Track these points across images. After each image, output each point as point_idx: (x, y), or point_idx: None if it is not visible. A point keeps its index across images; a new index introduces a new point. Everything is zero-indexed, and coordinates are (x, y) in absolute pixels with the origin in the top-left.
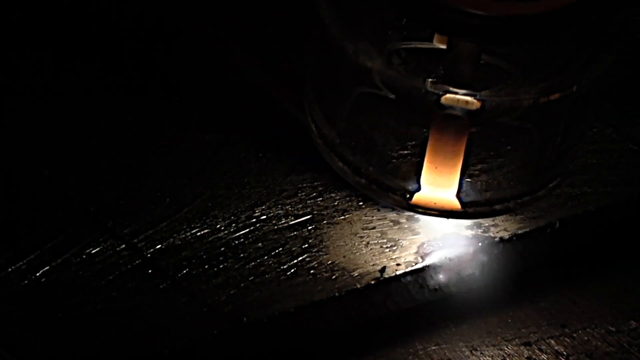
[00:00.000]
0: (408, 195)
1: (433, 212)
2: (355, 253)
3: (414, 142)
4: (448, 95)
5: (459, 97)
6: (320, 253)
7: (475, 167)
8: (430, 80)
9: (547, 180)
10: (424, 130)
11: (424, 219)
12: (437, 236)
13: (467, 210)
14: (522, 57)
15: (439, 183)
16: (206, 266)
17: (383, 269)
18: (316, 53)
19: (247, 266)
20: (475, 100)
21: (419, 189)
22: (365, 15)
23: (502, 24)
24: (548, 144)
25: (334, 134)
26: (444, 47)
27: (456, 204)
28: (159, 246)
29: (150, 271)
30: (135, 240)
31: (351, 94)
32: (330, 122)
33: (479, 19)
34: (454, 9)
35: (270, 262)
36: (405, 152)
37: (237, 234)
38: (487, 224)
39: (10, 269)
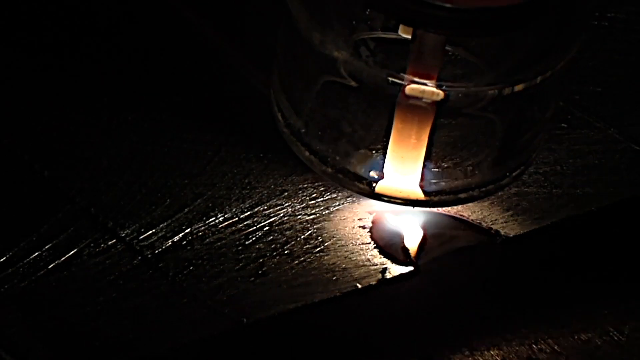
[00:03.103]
0: (373, 184)
1: (398, 201)
2: (356, 254)
3: (379, 132)
4: (413, 86)
5: (423, 88)
6: (321, 254)
7: (438, 156)
8: (394, 71)
9: (510, 168)
10: (389, 119)
11: (425, 220)
12: (438, 237)
13: (431, 199)
14: (487, 48)
15: (403, 172)
16: (207, 267)
17: (384, 270)
18: (283, 42)
19: (248, 267)
20: (439, 91)
21: (383, 177)
22: (332, 5)
23: (468, 16)
24: (511, 134)
25: (300, 123)
26: (409, 37)
27: (419, 193)
28: (160, 247)
29: (150, 272)
30: (136, 240)
31: (317, 83)
32: (296, 111)
33: (445, 11)
34: (419, 0)
35: (271, 262)
36: (371, 141)
37: (238, 235)
38: (488, 225)
39: (10, 269)
